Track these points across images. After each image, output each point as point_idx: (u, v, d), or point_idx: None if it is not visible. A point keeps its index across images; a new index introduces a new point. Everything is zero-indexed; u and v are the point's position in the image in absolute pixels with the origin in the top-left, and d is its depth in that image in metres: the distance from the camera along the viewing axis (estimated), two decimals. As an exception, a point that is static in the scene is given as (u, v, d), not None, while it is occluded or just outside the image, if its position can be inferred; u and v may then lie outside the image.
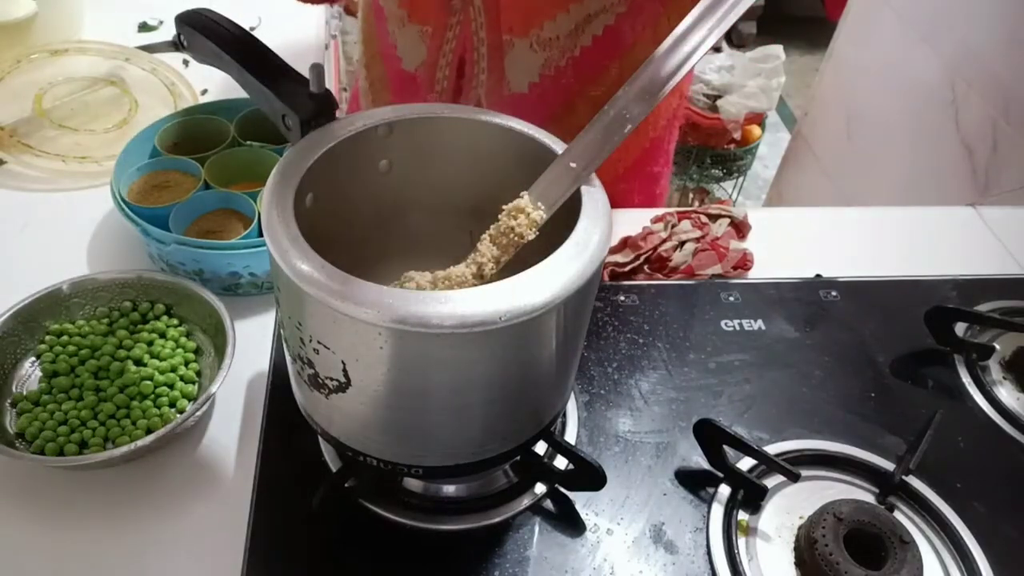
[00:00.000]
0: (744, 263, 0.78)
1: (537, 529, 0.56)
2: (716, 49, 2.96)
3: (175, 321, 0.66)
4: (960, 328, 0.72)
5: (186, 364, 0.63)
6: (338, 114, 0.50)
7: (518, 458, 0.55)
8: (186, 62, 0.96)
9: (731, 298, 0.75)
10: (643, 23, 0.75)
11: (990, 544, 0.56)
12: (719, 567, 0.54)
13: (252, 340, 0.66)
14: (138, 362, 0.63)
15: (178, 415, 0.59)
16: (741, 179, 2.28)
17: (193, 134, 0.79)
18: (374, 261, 0.55)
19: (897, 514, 0.58)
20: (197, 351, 0.65)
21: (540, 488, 0.57)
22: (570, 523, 0.57)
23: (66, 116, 0.87)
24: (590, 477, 0.54)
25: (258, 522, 0.55)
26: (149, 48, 0.80)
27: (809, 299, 0.76)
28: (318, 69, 0.48)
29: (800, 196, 1.80)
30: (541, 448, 0.58)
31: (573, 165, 0.46)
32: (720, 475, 0.59)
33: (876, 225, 0.88)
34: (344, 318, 0.39)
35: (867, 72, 1.56)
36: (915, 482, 0.59)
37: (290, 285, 0.41)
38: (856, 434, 0.63)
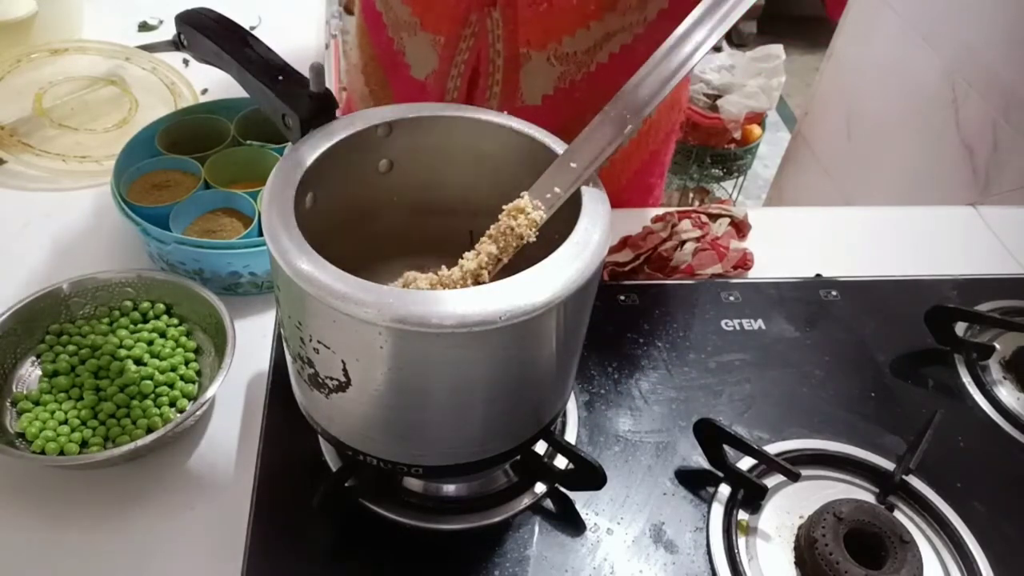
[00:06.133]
0: (744, 263, 0.78)
1: (537, 529, 0.56)
2: (716, 49, 2.96)
3: (175, 320, 0.66)
4: (960, 328, 0.72)
5: (186, 364, 0.63)
6: (338, 114, 0.50)
7: (518, 458, 0.55)
8: (186, 61, 0.96)
9: (731, 298, 0.75)
10: (657, 43, 0.75)
11: (990, 544, 0.56)
12: (719, 567, 0.54)
13: (252, 340, 0.66)
14: (138, 361, 0.63)
15: (178, 415, 0.59)
16: (741, 179, 2.28)
17: (193, 134, 0.79)
18: (374, 261, 0.55)
19: (897, 514, 0.58)
20: (197, 351, 0.65)
21: (540, 488, 0.57)
22: (570, 523, 0.57)
23: (66, 115, 0.87)
24: (590, 477, 0.54)
25: (258, 522, 0.55)
26: (149, 47, 0.80)
27: (809, 299, 0.76)
28: (318, 69, 0.48)
29: (800, 196, 1.80)
30: (541, 448, 0.58)
31: (574, 165, 0.46)
32: (720, 475, 0.59)
33: (876, 225, 0.88)
34: (344, 318, 0.39)
35: (867, 72, 1.56)
36: (915, 482, 0.59)
37: (290, 285, 0.41)
38: (856, 434, 0.63)
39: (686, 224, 0.78)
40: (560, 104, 0.77)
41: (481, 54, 0.75)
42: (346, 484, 0.54)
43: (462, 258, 0.48)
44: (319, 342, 0.42)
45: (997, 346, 0.72)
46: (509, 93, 0.76)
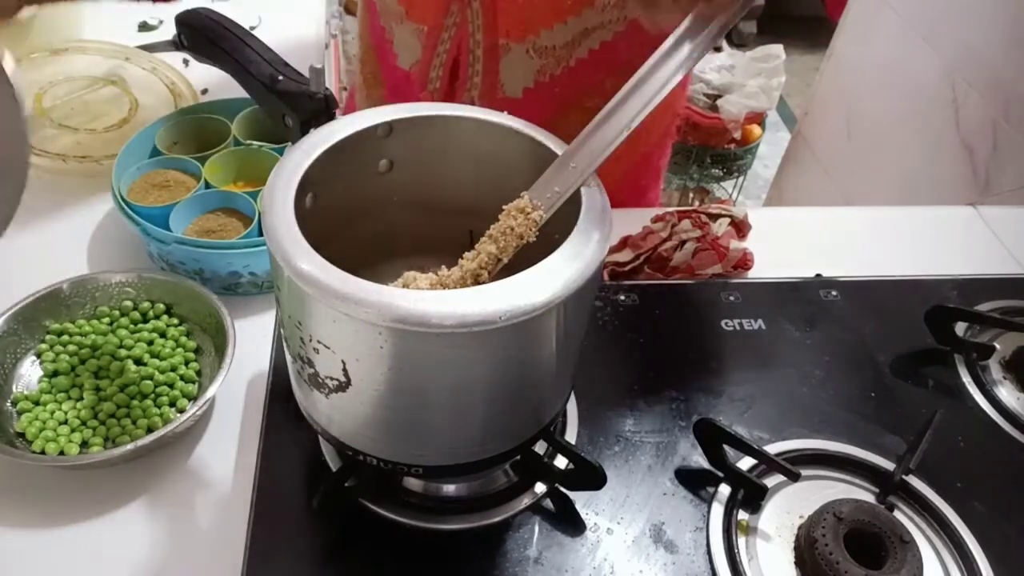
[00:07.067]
0: (744, 263, 0.78)
1: (537, 529, 0.56)
2: (716, 49, 2.96)
3: (175, 320, 0.66)
4: (960, 328, 0.72)
5: (186, 363, 0.63)
6: (338, 114, 0.50)
7: (518, 458, 0.55)
8: (186, 61, 0.96)
9: (731, 298, 0.75)
10: (640, 43, 0.75)
11: (990, 544, 0.56)
12: (719, 567, 0.54)
13: (252, 340, 0.66)
14: (138, 361, 0.63)
15: (178, 415, 0.59)
16: (741, 179, 2.28)
17: (193, 134, 0.79)
18: (374, 261, 0.55)
19: (897, 514, 0.58)
20: (197, 350, 0.65)
21: (540, 488, 0.57)
22: (570, 523, 0.57)
23: (66, 115, 0.87)
24: (590, 477, 0.54)
25: (258, 522, 0.55)
26: (149, 47, 0.80)
27: (809, 299, 0.76)
28: (318, 70, 0.48)
29: (800, 196, 1.80)
30: (541, 448, 0.58)
31: (573, 165, 0.46)
32: (720, 475, 0.59)
33: (876, 225, 0.88)
34: (344, 318, 0.39)
35: (867, 72, 1.56)
36: (915, 482, 0.59)
37: (290, 285, 0.41)
38: (856, 434, 0.63)
39: (686, 224, 0.78)
40: (542, 98, 0.77)
41: (462, 45, 0.76)
42: (346, 484, 0.54)
43: (462, 258, 0.48)
44: (319, 342, 0.42)
45: (997, 346, 0.72)
46: (490, 85, 0.77)
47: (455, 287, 0.47)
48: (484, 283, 0.47)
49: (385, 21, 0.81)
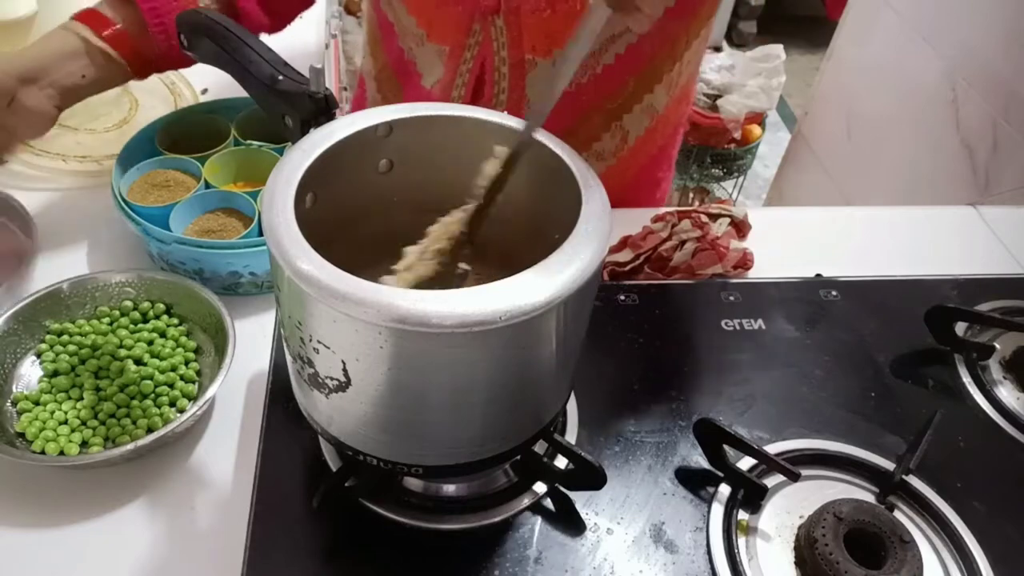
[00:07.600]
0: (744, 263, 0.78)
1: (537, 529, 0.56)
2: (716, 48, 2.96)
3: (175, 320, 0.66)
4: (960, 328, 0.72)
5: (186, 363, 0.63)
6: (338, 114, 0.50)
7: (518, 457, 0.55)
8: (186, 62, 0.96)
9: (731, 298, 0.75)
10: (662, 41, 0.75)
11: (990, 544, 0.56)
12: (719, 567, 0.54)
13: (252, 340, 0.66)
14: (138, 361, 0.63)
15: (178, 414, 0.59)
16: (741, 178, 2.28)
17: (193, 133, 0.79)
18: (374, 261, 0.55)
19: (897, 514, 0.58)
20: (197, 350, 0.65)
21: (540, 488, 0.57)
22: (570, 523, 0.57)
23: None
24: (590, 477, 0.54)
25: (258, 522, 0.55)
26: (149, 48, 0.80)
27: (809, 299, 0.76)
28: (318, 70, 0.48)
29: (800, 195, 1.80)
30: (541, 448, 0.58)
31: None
32: (720, 475, 0.59)
33: (876, 225, 0.88)
34: (344, 318, 0.39)
35: (867, 72, 1.56)
36: (915, 482, 0.59)
37: (290, 285, 0.41)
38: (856, 434, 0.63)
39: (686, 224, 0.78)
40: (566, 106, 0.76)
41: (486, 63, 0.75)
42: (346, 484, 0.54)
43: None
44: (319, 342, 0.42)
45: (997, 346, 0.72)
46: (516, 100, 0.77)
47: (419, 260, 0.47)
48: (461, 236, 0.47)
49: (404, 42, 0.80)
